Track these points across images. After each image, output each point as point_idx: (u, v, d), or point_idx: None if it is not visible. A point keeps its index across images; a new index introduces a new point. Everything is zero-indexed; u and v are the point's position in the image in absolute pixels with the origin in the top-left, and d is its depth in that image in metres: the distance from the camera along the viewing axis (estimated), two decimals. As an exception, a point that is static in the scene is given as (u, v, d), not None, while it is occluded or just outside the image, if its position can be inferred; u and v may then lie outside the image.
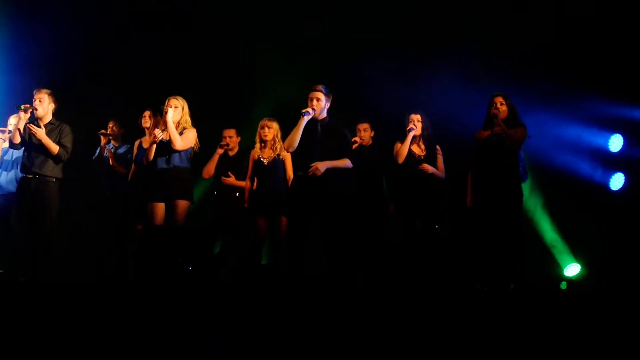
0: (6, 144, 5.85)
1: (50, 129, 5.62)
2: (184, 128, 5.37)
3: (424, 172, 5.65)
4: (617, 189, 6.65)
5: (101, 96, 6.93)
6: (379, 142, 6.11)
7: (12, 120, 5.93)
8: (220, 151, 6.16)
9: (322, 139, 4.97)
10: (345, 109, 5.47)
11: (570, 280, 6.63)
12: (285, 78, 7.15)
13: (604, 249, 6.45)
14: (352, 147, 5.23)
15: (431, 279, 4.96)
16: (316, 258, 5.24)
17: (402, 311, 3.75)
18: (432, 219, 5.71)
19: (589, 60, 6.50)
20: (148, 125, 5.80)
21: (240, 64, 7.38)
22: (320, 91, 4.99)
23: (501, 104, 5.33)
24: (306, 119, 4.92)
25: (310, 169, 4.84)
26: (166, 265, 4.79)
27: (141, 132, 5.89)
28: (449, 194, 5.93)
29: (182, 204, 5.28)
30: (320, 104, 4.98)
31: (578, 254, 6.71)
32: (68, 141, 5.61)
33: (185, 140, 5.33)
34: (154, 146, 5.31)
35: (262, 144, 5.66)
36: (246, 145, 6.16)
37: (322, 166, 4.85)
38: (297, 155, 5.01)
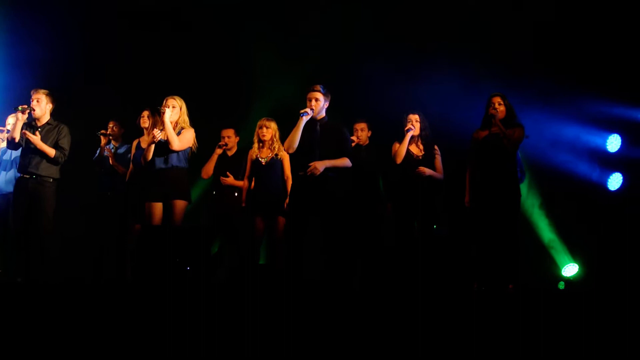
0: (4, 144, 5.85)
1: (47, 130, 5.61)
2: (182, 128, 5.37)
3: (421, 175, 5.64)
4: (615, 189, 6.66)
5: (100, 96, 6.93)
6: (376, 142, 6.11)
7: (11, 120, 5.94)
8: (218, 151, 6.16)
9: (321, 138, 4.97)
10: (342, 109, 5.46)
11: (568, 281, 6.64)
12: (283, 78, 7.15)
13: (602, 249, 6.45)
14: (351, 146, 5.22)
15: (429, 279, 4.95)
16: (314, 258, 5.24)
17: (400, 312, 3.75)
18: (430, 219, 5.70)
19: (588, 60, 6.51)
20: (147, 125, 5.81)
21: (239, 64, 7.38)
22: (319, 91, 4.98)
23: (499, 104, 5.33)
24: (305, 119, 4.91)
25: (309, 169, 4.84)
26: (164, 265, 4.78)
27: (141, 132, 5.90)
28: (447, 194, 5.93)
29: (180, 204, 5.28)
30: (318, 104, 4.97)
31: (576, 254, 6.72)
32: (65, 142, 5.61)
33: (183, 140, 5.32)
34: (153, 146, 5.31)
35: (260, 144, 5.66)
36: (245, 145, 6.16)
37: (320, 165, 4.85)
38: (297, 156, 5.01)
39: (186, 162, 5.41)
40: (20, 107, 5.48)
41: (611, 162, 6.70)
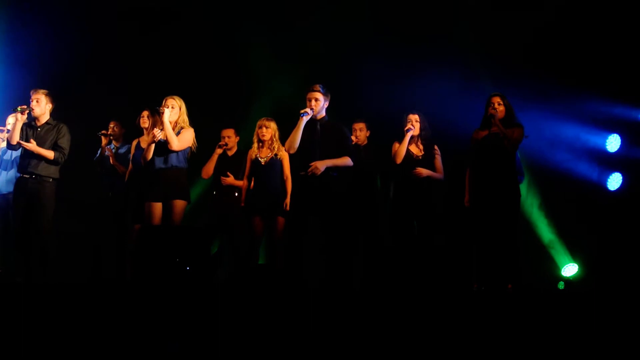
0: (4, 144, 5.85)
1: (47, 129, 5.61)
2: (182, 128, 5.37)
3: (418, 176, 5.64)
4: (614, 189, 6.66)
5: (101, 96, 6.93)
6: (375, 142, 6.11)
7: (11, 120, 5.94)
8: (219, 151, 6.16)
9: (322, 138, 4.97)
10: (341, 108, 5.46)
11: (567, 281, 6.64)
12: (283, 77, 7.15)
13: (602, 249, 6.45)
14: (352, 145, 5.22)
15: (429, 279, 4.95)
16: (313, 258, 5.23)
17: (399, 312, 3.75)
18: (430, 219, 5.70)
19: (588, 60, 6.51)
20: (146, 125, 5.81)
21: (238, 63, 7.38)
22: (318, 91, 4.99)
23: (499, 104, 5.33)
24: (305, 119, 4.92)
25: (310, 169, 4.84)
26: (163, 265, 4.78)
27: (142, 132, 5.90)
28: (447, 194, 5.93)
29: (180, 204, 5.28)
30: (318, 104, 4.97)
31: (576, 254, 6.72)
32: (64, 141, 5.60)
33: (182, 140, 5.32)
34: (153, 146, 5.31)
35: (260, 144, 5.66)
36: (245, 145, 6.16)
37: (321, 165, 4.85)
38: (298, 156, 5.01)
39: (186, 162, 5.41)
40: (19, 108, 5.48)
41: (611, 162, 6.70)
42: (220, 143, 6.17)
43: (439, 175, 5.76)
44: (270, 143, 5.63)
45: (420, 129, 5.75)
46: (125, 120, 6.37)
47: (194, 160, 5.63)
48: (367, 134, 6.11)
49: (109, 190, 6.13)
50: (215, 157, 6.15)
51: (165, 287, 4.37)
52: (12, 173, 5.90)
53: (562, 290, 6.43)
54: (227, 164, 6.17)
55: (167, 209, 5.28)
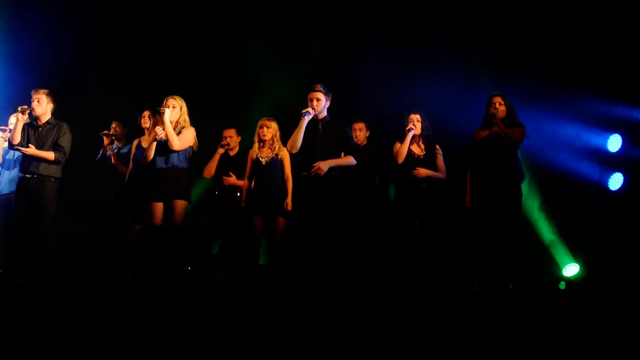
0: (7, 144, 5.84)
1: (48, 129, 5.61)
2: (182, 127, 5.36)
3: (417, 176, 5.63)
4: (615, 189, 6.66)
5: (102, 96, 6.93)
6: (374, 142, 6.11)
7: (13, 120, 5.93)
8: (220, 151, 6.16)
9: (324, 138, 4.97)
10: (341, 108, 5.46)
11: (569, 281, 6.63)
12: (283, 77, 7.15)
13: (603, 249, 6.44)
14: (355, 144, 5.22)
15: (430, 279, 4.95)
16: (314, 258, 5.23)
17: (400, 312, 3.75)
18: (431, 219, 5.69)
19: (588, 60, 6.51)
20: (147, 125, 5.82)
21: (239, 63, 7.38)
22: (320, 91, 4.99)
23: (500, 104, 5.33)
24: (307, 119, 4.92)
25: (313, 169, 4.84)
26: (164, 265, 4.78)
27: (143, 132, 5.90)
28: (448, 194, 5.92)
29: (180, 204, 5.27)
30: (320, 104, 4.98)
31: (577, 254, 6.72)
32: (65, 140, 5.60)
33: (183, 140, 5.32)
34: (154, 145, 5.30)
35: (261, 144, 5.65)
36: (247, 145, 6.16)
37: (324, 165, 4.85)
38: (300, 156, 5.01)
39: (187, 161, 5.41)
40: (20, 108, 5.49)
41: (612, 162, 6.69)
42: (222, 143, 6.18)
43: (440, 175, 5.75)
44: (271, 143, 5.63)
45: (422, 129, 5.75)
46: (126, 120, 6.38)
47: (195, 160, 5.63)
48: (367, 134, 6.11)
49: (111, 190, 6.13)
50: (217, 157, 6.15)
51: (165, 287, 4.37)
52: (15, 173, 5.91)
53: (563, 290, 6.42)
54: (229, 164, 6.17)
55: (168, 209, 5.27)
